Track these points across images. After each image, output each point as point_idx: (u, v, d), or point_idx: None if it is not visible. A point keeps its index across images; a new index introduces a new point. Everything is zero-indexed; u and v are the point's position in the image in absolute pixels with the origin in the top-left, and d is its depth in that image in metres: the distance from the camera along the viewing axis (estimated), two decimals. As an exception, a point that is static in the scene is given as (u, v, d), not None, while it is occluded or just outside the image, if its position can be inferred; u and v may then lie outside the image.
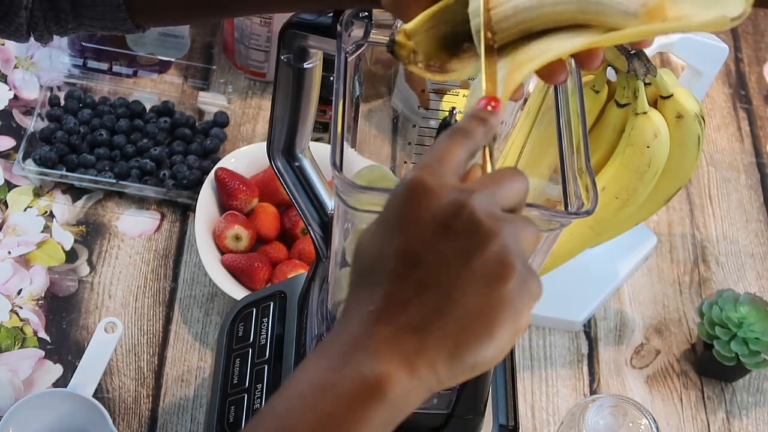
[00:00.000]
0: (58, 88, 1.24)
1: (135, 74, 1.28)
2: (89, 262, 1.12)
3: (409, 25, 0.63)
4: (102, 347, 1.01)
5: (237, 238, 1.10)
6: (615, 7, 0.59)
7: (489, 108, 0.58)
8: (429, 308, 0.54)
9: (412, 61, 0.63)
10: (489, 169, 0.57)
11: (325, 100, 0.89)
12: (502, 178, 0.56)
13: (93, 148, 1.19)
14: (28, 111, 1.23)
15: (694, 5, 0.59)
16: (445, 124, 0.79)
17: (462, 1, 0.63)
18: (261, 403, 0.87)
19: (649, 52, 1.00)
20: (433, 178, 0.55)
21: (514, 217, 0.55)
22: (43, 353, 1.05)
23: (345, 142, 0.66)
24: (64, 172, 1.16)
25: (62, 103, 1.23)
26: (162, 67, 1.29)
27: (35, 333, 1.06)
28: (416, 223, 0.54)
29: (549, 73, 0.62)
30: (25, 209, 1.15)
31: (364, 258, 0.56)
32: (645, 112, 0.98)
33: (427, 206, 0.54)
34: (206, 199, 1.13)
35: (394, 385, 0.53)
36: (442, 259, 0.54)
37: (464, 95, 0.78)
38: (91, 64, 1.27)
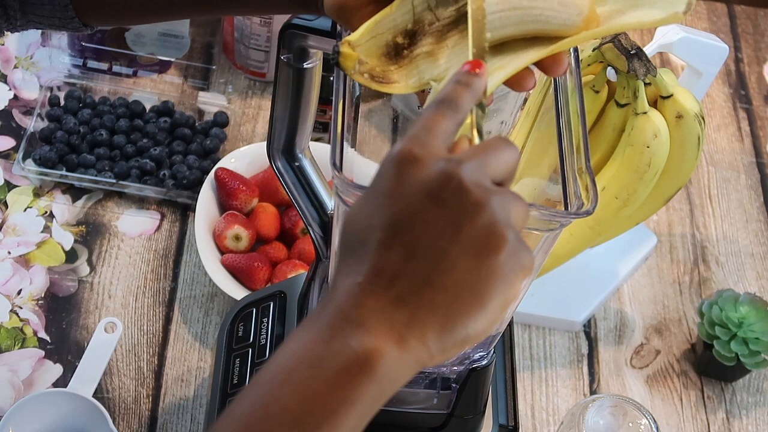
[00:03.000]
0: (58, 88, 1.24)
1: (135, 74, 1.28)
2: (89, 262, 1.12)
3: (353, 36, 0.64)
4: (102, 347, 1.01)
5: (237, 238, 1.10)
6: (553, 23, 0.62)
7: (473, 72, 0.57)
8: (418, 279, 0.53)
9: (357, 71, 0.64)
10: (476, 140, 0.57)
11: (325, 100, 0.89)
12: (492, 147, 0.55)
13: (93, 148, 1.19)
14: (28, 111, 1.23)
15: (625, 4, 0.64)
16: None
17: (402, 8, 0.64)
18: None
19: (649, 52, 1.00)
20: (420, 148, 0.54)
21: (503, 190, 0.54)
22: (43, 353, 1.05)
23: (345, 142, 0.66)
24: (64, 172, 1.16)
25: (62, 103, 1.23)
26: (162, 67, 1.29)
27: (35, 333, 1.06)
28: (404, 194, 0.53)
29: (517, 80, 0.63)
30: (25, 209, 1.15)
31: (351, 230, 0.55)
32: (645, 112, 0.98)
33: (415, 176, 0.53)
34: (206, 199, 1.13)
35: (383, 359, 0.51)
36: (430, 229, 0.53)
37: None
38: (91, 64, 1.27)
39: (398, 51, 0.65)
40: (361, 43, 0.64)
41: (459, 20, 0.65)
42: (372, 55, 0.64)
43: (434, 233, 0.53)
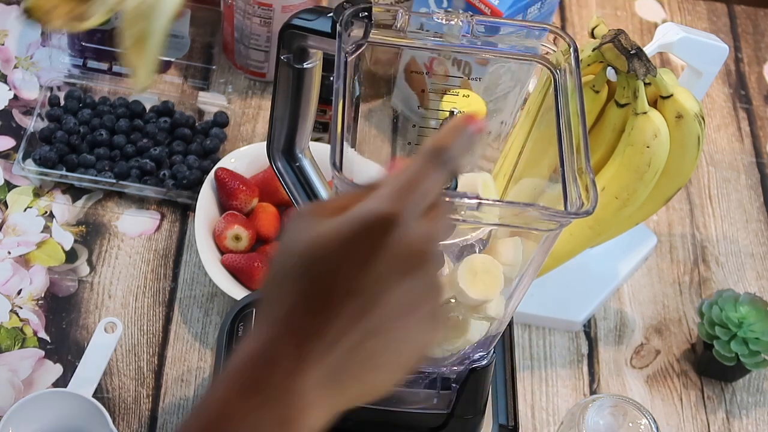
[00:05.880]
0: (58, 88, 1.24)
1: (135, 74, 1.28)
2: (89, 262, 1.12)
3: None
4: (102, 347, 1.01)
5: (237, 238, 1.10)
6: None
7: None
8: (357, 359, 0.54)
9: (49, 19, 0.65)
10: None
11: (325, 100, 0.89)
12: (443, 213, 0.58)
13: (93, 148, 1.19)
14: (28, 111, 1.23)
15: None
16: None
17: None
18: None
19: (649, 52, 1.00)
20: (400, 213, 0.54)
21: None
22: (43, 353, 1.05)
23: (345, 142, 0.66)
24: (64, 172, 1.16)
25: (62, 103, 1.23)
26: (162, 67, 1.29)
27: (35, 333, 1.06)
28: (372, 261, 0.54)
29: None
30: (25, 209, 1.15)
31: (296, 257, 0.55)
32: (645, 112, 0.98)
33: (390, 247, 0.54)
34: (206, 199, 1.13)
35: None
36: (392, 309, 0.54)
37: (464, 95, 0.78)
38: (91, 64, 1.27)
39: None
40: None
41: None
42: (63, 2, 0.65)
43: (392, 306, 0.54)
